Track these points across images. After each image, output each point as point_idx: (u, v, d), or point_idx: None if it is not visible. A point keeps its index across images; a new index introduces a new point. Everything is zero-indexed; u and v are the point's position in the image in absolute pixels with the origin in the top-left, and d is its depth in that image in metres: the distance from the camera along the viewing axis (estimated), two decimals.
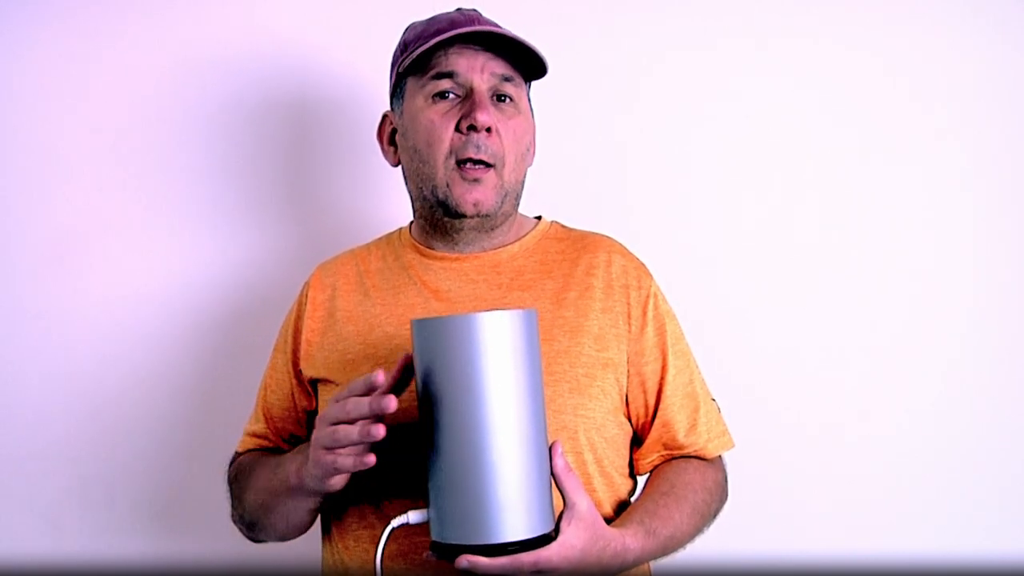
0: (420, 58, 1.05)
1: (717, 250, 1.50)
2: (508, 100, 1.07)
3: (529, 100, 1.13)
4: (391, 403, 0.85)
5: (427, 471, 0.87)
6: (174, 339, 1.46)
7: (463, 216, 1.06)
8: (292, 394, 1.15)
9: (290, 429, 1.16)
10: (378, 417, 0.86)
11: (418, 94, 1.07)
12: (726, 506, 1.13)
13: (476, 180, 1.05)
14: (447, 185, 1.05)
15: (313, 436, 0.92)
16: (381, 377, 0.86)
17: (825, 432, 1.49)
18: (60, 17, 1.45)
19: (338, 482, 0.92)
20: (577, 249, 1.13)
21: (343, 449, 0.88)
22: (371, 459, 0.87)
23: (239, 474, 1.12)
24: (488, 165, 1.05)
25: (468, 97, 1.05)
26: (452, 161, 1.05)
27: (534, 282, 1.09)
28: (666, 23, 1.51)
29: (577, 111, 1.48)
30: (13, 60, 1.45)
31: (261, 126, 1.47)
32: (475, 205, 1.05)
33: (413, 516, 0.89)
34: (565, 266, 1.11)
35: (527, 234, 1.14)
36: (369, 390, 0.87)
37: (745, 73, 1.50)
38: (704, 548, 1.08)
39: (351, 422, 0.87)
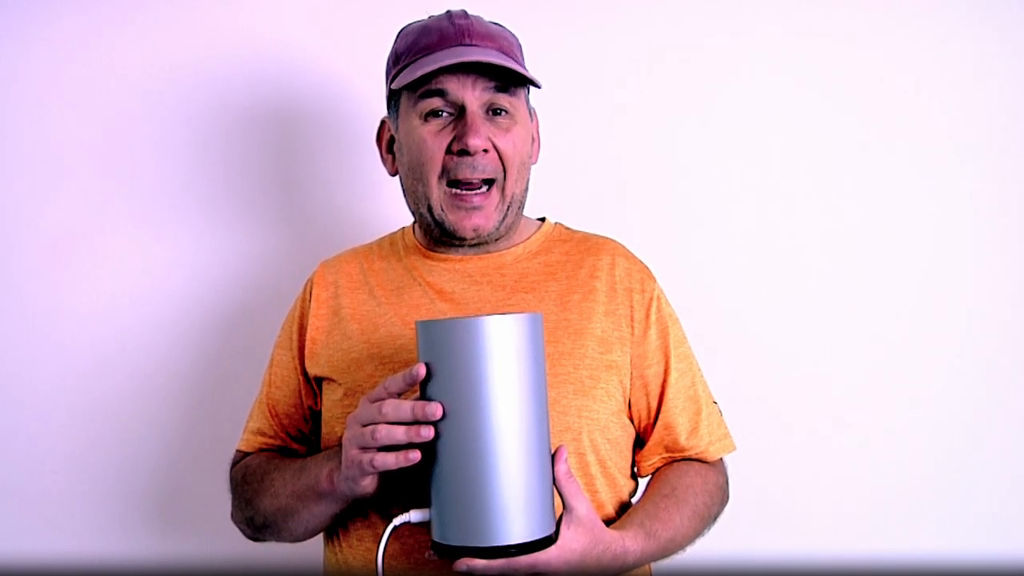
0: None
1: (718, 252, 1.50)
2: (504, 112, 1.06)
3: (528, 101, 1.12)
4: (437, 410, 0.84)
5: (429, 472, 0.87)
6: (174, 339, 1.46)
7: (462, 239, 1.06)
8: (299, 391, 1.14)
9: (298, 426, 1.16)
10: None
11: (411, 112, 1.05)
12: (727, 507, 1.14)
13: (475, 208, 1.04)
14: (442, 209, 1.05)
15: (344, 436, 0.92)
16: (423, 370, 0.86)
17: (826, 433, 1.49)
18: (60, 20, 1.45)
19: (370, 484, 0.92)
20: (581, 252, 1.13)
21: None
22: (416, 455, 0.86)
23: (248, 476, 1.11)
24: (487, 182, 1.05)
25: (461, 116, 1.03)
26: (444, 182, 1.04)
27: (538, 284, 1.09)
28: (666, 23, 1.51)
29: (577, 112, 1.48)
30: (12, 61, 1.45)
31: (260, 126, 1.48)
32: (475, 230, 1.05)
33: (415, 515, 0.89)
34: (569, 268, 1.11)
35: (531, 236, 1.14)
36: (408, 386, 0.88)
37: (745, 73, 1.51)
38: (705, 548, 1.08)
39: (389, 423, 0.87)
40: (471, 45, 1.03)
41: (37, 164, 1.45)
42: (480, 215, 1.05)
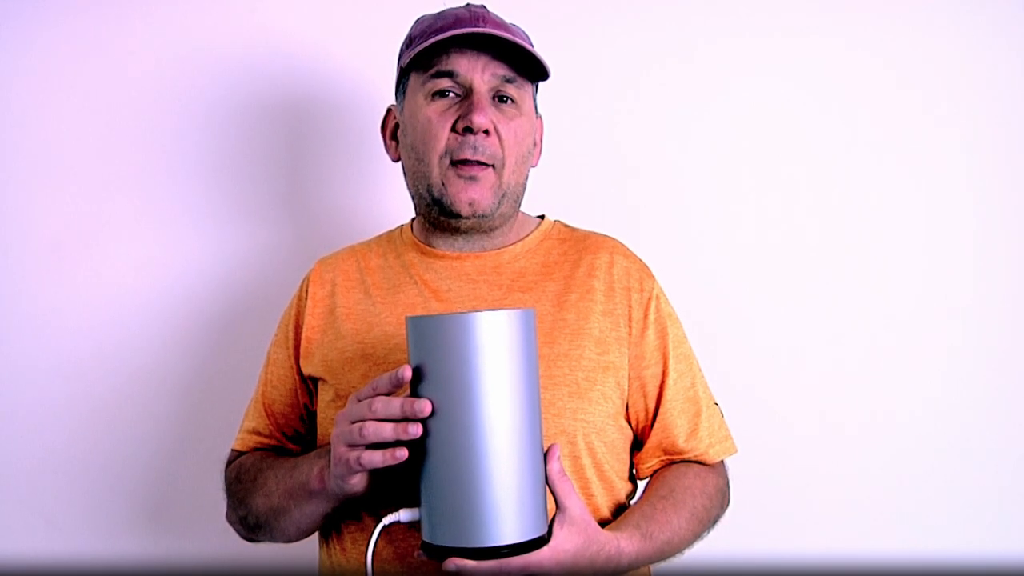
0: (423, 55, 1.04)
1: (719, 250, 1.50)
2: (510, 101, 1.06)
3: (535, 101, 1.12)
4: (426, 407, 0.84)
5: (419, 471, 0.86)
6: (172, 338, 1.46)
7: (459, 216, 1.05)
8: (295, 390, 1.14)
9: (294, 425, 1.15)
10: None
11: (419, 91, 1.06)
12: (728, 508, 1.13)
13: (472, 178, 1.04)
14: (442, 184, 1.05)
15: (333, 434, 0.91)
16: (408, 373, 0.85)
17: (827, 433, 1.48)
18: (59, 17, 1.45)
19: (359, 482, 0.91)
20: (579, 250, 1.12)
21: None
22: (403, 453, 0.85)
23: (241, 475, 1.10)
24: (487, 165, 1.04)
25: (467, 97, 1.04)
26: (447, 161, 1.04)
27: (535, 284, 1.08)
28: (667, 23, 1.50)
29: (578, 110, 1.48)
30: (12, 60, 1.45)
31: (260, 124, 1.48)
32: (470, 205, 1.04)
33: (404, 515, 0.88)
34: (566, 267, 1.10)
35: (529, 234, 1.13)
36: (394, 387, 0.87)
37: (746, 73, 1.50)
38: (705, 549, 1.07)
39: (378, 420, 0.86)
40: (485, 28, 1.03)
41: (37, 162, 1.45)
42: (477, 188, 1.04)
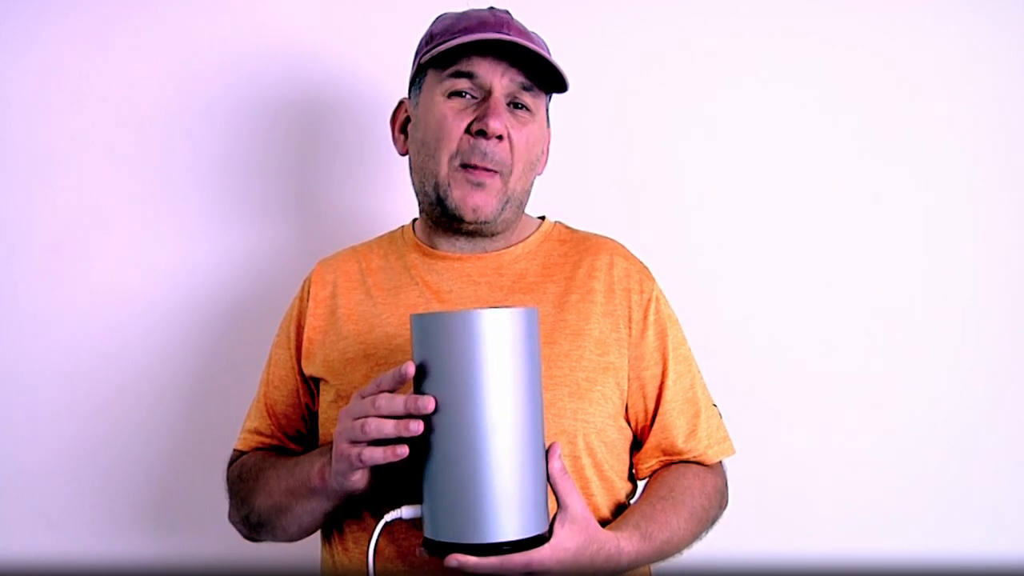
0: (444, 54, 1.04)
1: (719, 252, 1.50)
2: (524, 108, 1.07)
3: (547, 112, 1.13)
4: (429, 404, 0.84)
5: (421, 467, 0.86)
6: (174, 338, 1.46)
7: (461, 219, 1.06)
8: (297, 391, 1.14)
9: (295, 426, 1.15)
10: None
11: (436, 88, 1.06)
12: (728, 508, 1.12)
13: (480, 184, 1.04)
14: (448, 185, 1.05)
15: (336, 430, 0.91)
16: (412, 369, 0.86)
17: (826, 434, 1.48)
18: (62, 16, 1.45)
19: (360, 479, 0.91)
20: (579, 251, 1.12)
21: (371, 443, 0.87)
22: (404, 450, 0.85)
23: (243, 474, 1.11)
24: (494, 172, 1.05)
25: (484, 100, 1.04)
26: (457, 162, 1.04)
27: (536, 285, 1.09)
28: (668, 23, 1.50)
29: (578, 110, 1.47)
30: (12, 60, 1.45)
31: (261, 124, 1.47)
32: (474, 211, 1.05)
33: (406, 512, 0.88)
34: (567, 269, 1.10)
35: (530, 236, 1.14)
36: (398, 384, 0.87)
37: (746, 73, 1.50)
38: (704, 549, 1.07)
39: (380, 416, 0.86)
40: (509, 35, 1.04)
41: (37, 162, 1.45)
42: (482, 194, 1.05)
